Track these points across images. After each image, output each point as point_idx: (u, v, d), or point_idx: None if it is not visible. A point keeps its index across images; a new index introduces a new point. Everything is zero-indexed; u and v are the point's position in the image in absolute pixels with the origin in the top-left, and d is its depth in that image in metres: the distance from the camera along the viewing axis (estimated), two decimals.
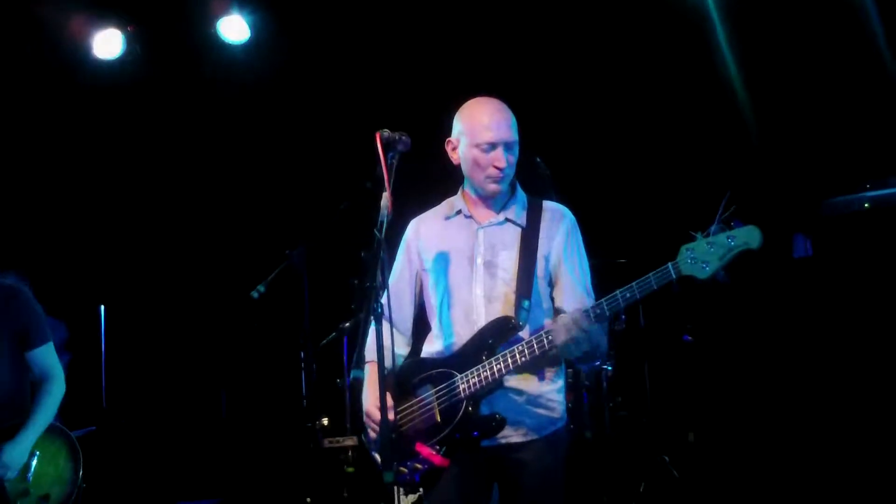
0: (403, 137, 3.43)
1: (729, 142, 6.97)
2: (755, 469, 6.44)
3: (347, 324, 6.23)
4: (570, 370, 5.89)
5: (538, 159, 5.42)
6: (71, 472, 4.70)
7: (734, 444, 6.68)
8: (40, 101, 7.76)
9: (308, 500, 6.30)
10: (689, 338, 6.45)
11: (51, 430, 4.70)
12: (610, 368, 6.31)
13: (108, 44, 7.34)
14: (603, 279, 3.75)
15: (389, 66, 7.64)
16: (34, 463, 4.58)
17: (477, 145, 3.57)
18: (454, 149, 3.69)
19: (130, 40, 7.38)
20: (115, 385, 6.91)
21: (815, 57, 6.67)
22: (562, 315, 3.35)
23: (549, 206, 3.72)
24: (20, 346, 4.70)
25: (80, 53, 7.42)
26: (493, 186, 3.61)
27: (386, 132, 3.41)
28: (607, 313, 3.34)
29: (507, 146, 3.58)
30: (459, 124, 3.67)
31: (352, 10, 7.39)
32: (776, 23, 6.74)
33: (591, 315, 3.32)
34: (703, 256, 3.19)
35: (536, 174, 5.40)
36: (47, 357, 4.76)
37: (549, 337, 3.37)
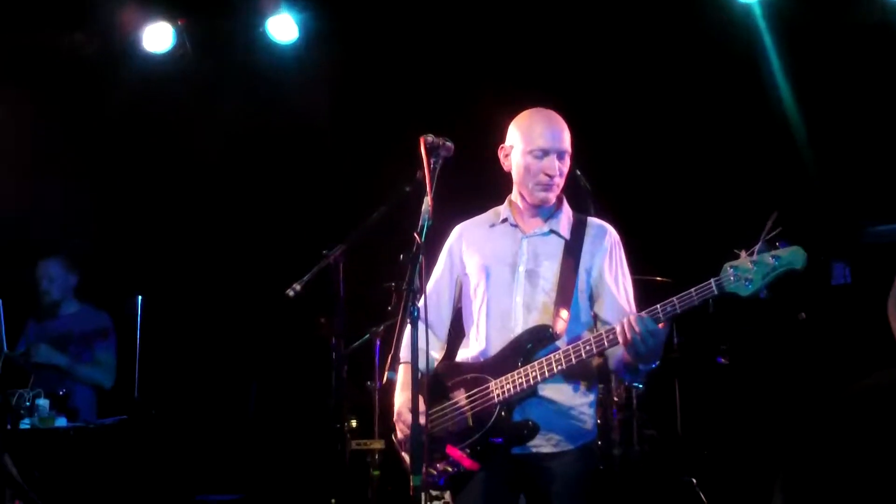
0: (447, 143, 3.47)
1: (772, 163, 6.95)
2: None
3: (381, 327, 6.25)
4: (601, 385, 5.87)
5: (578, 172, 5.41)
6: None
7: (763, 469, 6.62)
8: (87, 91, 7.84)
9: (333, 501, 6.29)
10: (723, 360, 6.40)
11: None
12: (641, 386, 6.28)
13: (157, 37, 7.40)
14: (645, 296, 3.75)
15: (437, 70, 7.66)
16: None
17: (530, 152, 3.60)
18: (507, 155, 3.72)
19: (180, 35, 7.44)
20: (147, 375, 6.97)
21: (867, 82, 6.64)
22: (629, 315, 3.35)
23: (593, 222, 3.75)
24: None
25: (130, 46, 7.49)
26: (541, 194, 3.63)
27: (430, 137, 3.45)
28: None
29: (559, 155, 3.62)
30: (515, 131, 3.71)
31: (401, 13, 7.42)
32: (827, 47, 6.71)
33: (655, 316, 3.30)
34: (746, 274, 3.19)
35: (577, 188, 5.39)
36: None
37: (602, 340, 3.38)
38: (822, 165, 6.80)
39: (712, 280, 3.25)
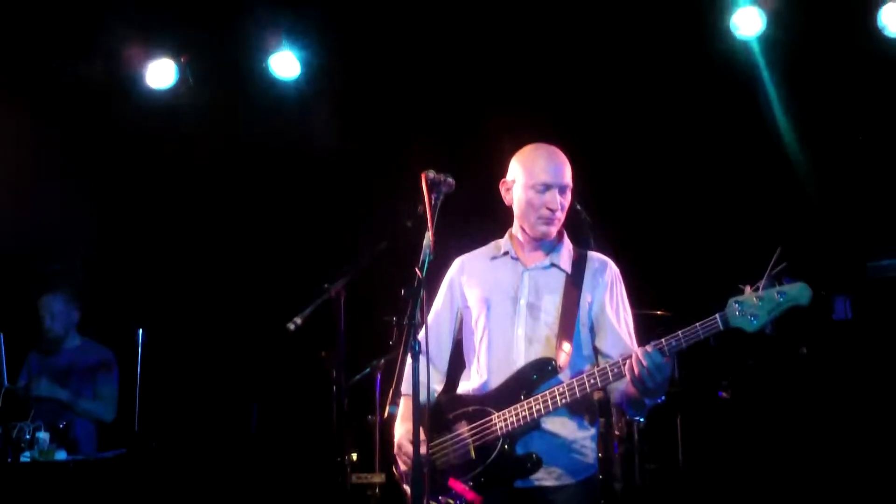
0: (448, 179, 3.49)
1: (774, 198, 6.99)
2: None
3: (382, 360, 6.25)
4: (602, 419, 5.86)
5: (579, 207, 5.43)
6: None
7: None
8: (91, 125, 7.88)
9: None
10: (724, 394, 6.39)
11: None
12: (642, 420, 6.27)
13: (160, 73, 7.45)
14: (647, 330, 3.76)
15: (439, 105, 7.72)
16: None
17: (532, 186, 3.63)
18: (508, 190, 3.74)
19: (183, 71, 7.48)
20: (148, 408, 6.95)
21: (867, 115, 6.70)
22: (636, 350, 3.35)
23: (594, 256, 3.76)
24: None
25: (133, 81, 7.54)
26: (543, 228, 3.65)
27: (431, 173, 3.46)
28: None
29: (561, 189, 3.65)
30: (517, 165, 3.73)
31: (403, 48, 7.48)
32: (827, 81, 6.78)
33: (661, 350, 3.31)
34: (751, 310, 3.21)
35: (578, 222, 5.41)
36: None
37: (607, 374, 3.38)
38: (824, 201, 6.83)
39: (717, 315, 3.26)
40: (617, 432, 6.19)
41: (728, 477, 6.49)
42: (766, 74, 6.93)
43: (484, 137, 7.55)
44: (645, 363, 3.28)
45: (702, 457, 6.64)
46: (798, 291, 3.19)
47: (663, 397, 3.51)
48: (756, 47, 6.85)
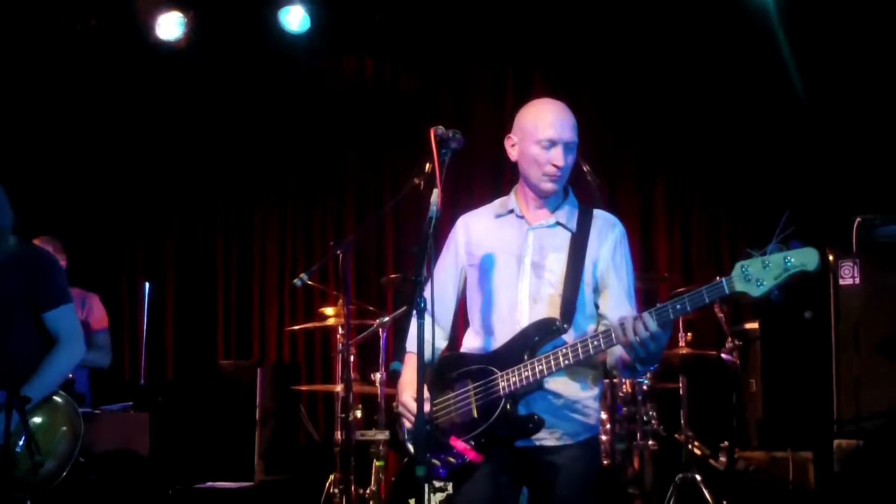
0: (457, 135, 3.46)
1: (784, 160, 6.97)
2: (790, 492, 6.37)
3: (388, 317, 6.26)
4: (606, 380, 5.87)
5: (587, 168, 5.41)
6: (67, 446, 4.40)
7: (768, 466, 6.61)
8: (101, 79, 7.88)
9: (335, 491, 6.32)
10: (729, 356, 6.39)
11: (57, 402, 4.46)
12: (646, 382, 6.28)
13: (170, 26, 7.43)
14: (656, 293, 3.74)
15: (445, 63, 7.70)
16: (33, 431, 4.24)
17: (538, 142, 3.57)
18: (513, 145, 3.68)
19: (192, 24, 7.45)
20: (154, 362, 6.99)
21: (884, 75, 6.67)
22: (630, 316, 3.32)
23: (599, 214, 3.71)
24: (36, 309, 4.48)
25: (142, 34, 7.52)
26: (548, 185, 3.61)
27: (440, 129, 3.43)
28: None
29: (567, 147, 3.58)
30: (522, 121, 3.67)
31: (411, 5, 7.45)
32: (846, 40, 6.73)
33: (653, 316, 3.28)
34: (757, 274, 3.16)
35: (585, 183, 5.39)
36: (60, 319, 4.51)
37: (610, 336, 3.35)
38: (833, 164, 6.80)
39: (723, 279, 3.22)
40: (621, 394, 6.21)
41: (731, 438, 6.50)
42: (780, 34, 6.87)
43: (498, 95, 7.55)
44: (639, 331, 3.26)
45: (706, 419, 6.65)
46: (806, 256, 3.13)
47: (656, 365, 3.48)
48: (771, 7, 6.79)
